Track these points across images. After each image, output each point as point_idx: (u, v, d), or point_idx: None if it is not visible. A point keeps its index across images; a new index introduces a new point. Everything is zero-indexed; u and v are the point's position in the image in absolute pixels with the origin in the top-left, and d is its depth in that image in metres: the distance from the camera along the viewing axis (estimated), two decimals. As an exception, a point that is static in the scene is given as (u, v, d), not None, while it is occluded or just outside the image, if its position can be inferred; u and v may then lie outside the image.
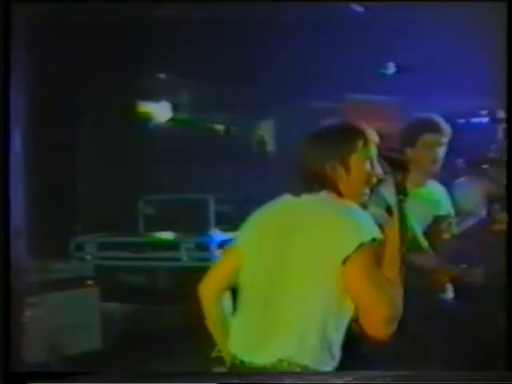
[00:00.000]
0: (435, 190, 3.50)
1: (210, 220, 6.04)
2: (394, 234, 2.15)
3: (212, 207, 6.10)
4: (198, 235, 5.73)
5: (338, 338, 2.15)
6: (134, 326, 5.58)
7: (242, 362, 2.19)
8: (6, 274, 3.20)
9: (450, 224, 3.28)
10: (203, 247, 5.57)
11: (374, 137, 2.34)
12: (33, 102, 2.60)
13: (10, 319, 3.10)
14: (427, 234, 3.22)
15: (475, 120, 5.08)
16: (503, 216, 3.27)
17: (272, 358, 2.16)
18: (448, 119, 3.84)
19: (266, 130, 6.95)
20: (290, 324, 2.14)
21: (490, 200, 3.62)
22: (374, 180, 2.25)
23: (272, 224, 2.23)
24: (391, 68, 6.17)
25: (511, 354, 3.04)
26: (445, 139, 3.31)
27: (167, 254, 5.75)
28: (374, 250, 2.08)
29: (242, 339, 2.25)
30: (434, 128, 3.31)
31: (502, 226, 3.27)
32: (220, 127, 6.90)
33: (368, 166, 2.29)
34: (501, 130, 4.69)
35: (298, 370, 2.14)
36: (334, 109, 6.58)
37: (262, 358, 2.18)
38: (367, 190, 2.23)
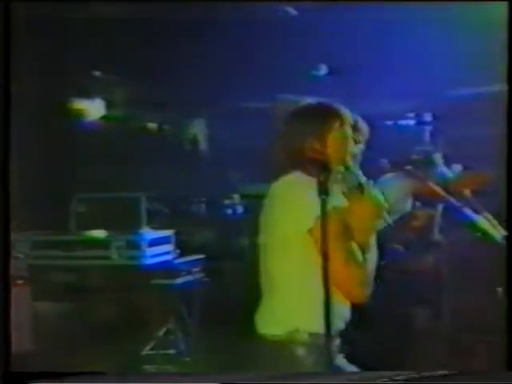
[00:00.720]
0: None
1: (142, 218, 6.05)
2: (362, 207, 2.36)
3: (144, 205, 6.10)
4: (128, 234, 5.72)
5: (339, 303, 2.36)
6: (65, 325, 5.55)
7: (263, 335, 2.43)
8: (5, 276, 3.17)
9: None
10: (134, 246, 5.57)
11: (349, 118, 2.52)
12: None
13: (9, 320, 3.09)
14: None
15: (402, 122, 5.21)
16: (422, 213, 3.41)
17: (284, 329, 2.39)
18: (375, 121, 3.97)
19: (198, 129, 6.98)
20: (286, 295, 2.41)
21: (412, 197, 3.76)
22: (349, 159, 2.44)
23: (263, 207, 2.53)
24: (323, 69, 6.24)
25: (511, 354, 3.11)
26: (363, 138, 3.48)
27: (98, 253, 5.73)
28: (337, 219, 2.29)
29: (259, 312, 2.52)
30: (353, 128, 3.46)
31: (420, 223, 3.41)
32: (153, 125, 6.89)
33: (344, 145, 2.46)
34: (426, 132, 4.83)
35: (308, 338, 2.36)
36: (267, 109, 6.62)
37: (275, 329, 2.41)
38: (341, 168, 2.44)
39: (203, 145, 6.91)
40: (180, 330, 5.40)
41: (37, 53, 5.46)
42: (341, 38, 5.28)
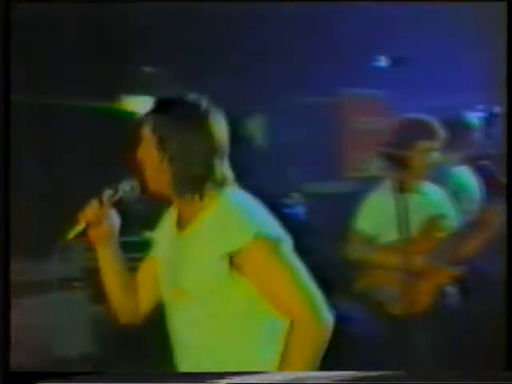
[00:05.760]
0: (429, 190, 3.48)
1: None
2: None
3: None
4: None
5: None
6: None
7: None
8: (5, 276, 3.16)
9: (445, 224, 3.29)
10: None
11: None
12: None
13: (9, 320, 3.08)
14: (422, 233, 3.21)
15: (469, 115, 5.00)
16: (493, 210, 3.23)
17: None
18: (442, 114, 3.76)
19: (255, 125, 6.80)
20: None
21: (489, 194, 3.59)
22: None
23: None
24: (384, 61, 6.10)
25: (511, 354, 3.03)
26: (440, 144, 3.31)
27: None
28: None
29: None
30: (431, 134, 3.30)
31: (492, 222, 3.24)
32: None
33: None
34: (497, 126, 4.63)
35: None
36: (329, 103, 6.43)
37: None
38: None
39: (261, 141, 6.74)
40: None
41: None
42: (403, 29, 5.10)
